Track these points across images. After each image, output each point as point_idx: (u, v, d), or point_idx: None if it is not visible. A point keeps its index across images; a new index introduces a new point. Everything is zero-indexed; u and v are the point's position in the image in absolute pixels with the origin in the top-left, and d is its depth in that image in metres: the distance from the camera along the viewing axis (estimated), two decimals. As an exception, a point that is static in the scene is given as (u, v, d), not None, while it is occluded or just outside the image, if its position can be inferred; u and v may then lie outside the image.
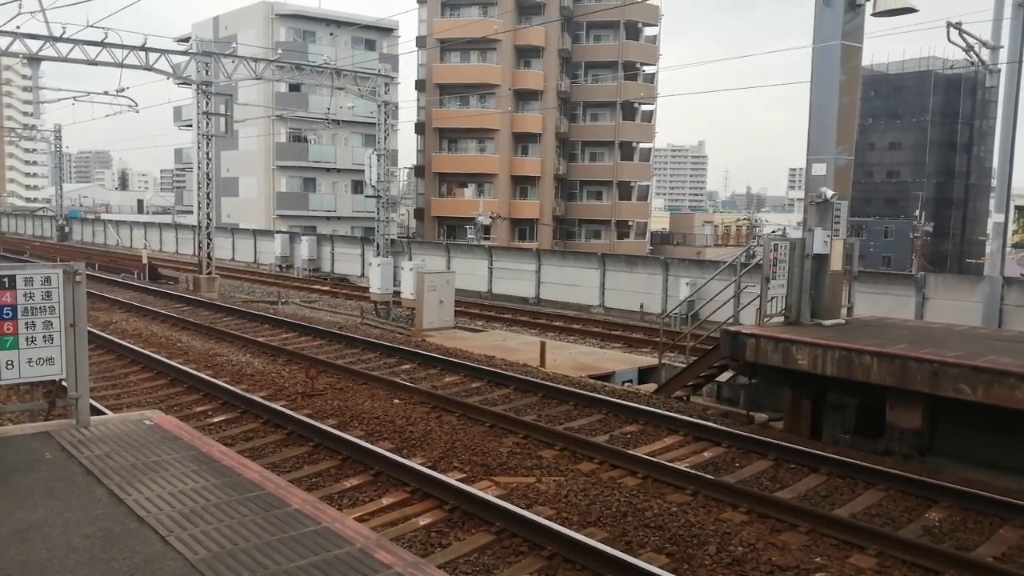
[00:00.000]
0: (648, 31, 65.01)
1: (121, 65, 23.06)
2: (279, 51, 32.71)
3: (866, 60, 14.66)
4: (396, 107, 38.50)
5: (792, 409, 10.94)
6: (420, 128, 61.29)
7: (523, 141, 60.92)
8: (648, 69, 65.19)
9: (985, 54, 16.91)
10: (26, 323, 6.53)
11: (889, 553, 6.72)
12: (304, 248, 36.88)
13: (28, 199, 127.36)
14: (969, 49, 16.49)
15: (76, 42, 22.05)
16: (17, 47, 21.80)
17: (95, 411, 8.54)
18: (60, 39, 21.70)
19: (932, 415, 9.49)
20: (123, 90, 26.87)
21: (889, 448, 9.64)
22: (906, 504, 8.10)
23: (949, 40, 16.09)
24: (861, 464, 8.88)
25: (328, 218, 53.60)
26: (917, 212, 58.71)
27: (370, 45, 55.58)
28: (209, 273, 26.56)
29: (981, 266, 50.98)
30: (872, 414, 10.01)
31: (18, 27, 21.13)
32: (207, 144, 26.18)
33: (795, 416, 10.87)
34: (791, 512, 7.52)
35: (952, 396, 8.89)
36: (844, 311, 12.55)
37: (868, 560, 6.65)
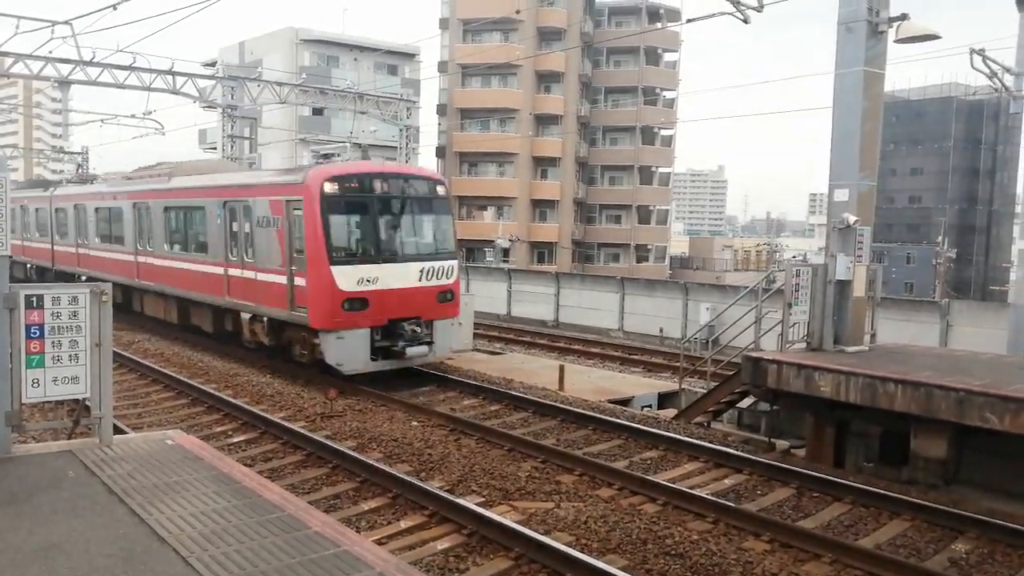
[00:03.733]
0: (668, 57, 65.32)
1: (149, 89, 23.46)
2: (303, 75, 33.20)
3: (888, 86, 14.63)
4: (417, 131, 38.84)
5: (815, 436, 10.80)
6: (441, 152, 61.73)
7: (543, 165, 61.16)
8: (668, 94, 65.40)
9: (1009, 80, 16.82)
10: (52, 342, 6.61)
11: (915, 585, 6.60)
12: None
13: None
14: (993, 75, 16.40)
15: (105, 66, 22.47)
16: (49, 71, 22.26)
17: (117, 430, 8.60)
18: (90, 63, 22.13)
19: (958, 444, 9.33)
20: (150, 113, 27.33)
21: (914, 477, 9.48)
22: (932, 535, 7.95)
23: (972, 66, 16.00)
24: (885, 493, 8.74)
25: (349, 240, 53.80)
26: (939, 238, 58.15)
27: (392, 70, 56.21)
28: (230, 294, 26.76)
29: (1005, 292, 50.34)
30: (896, 442, 9.86)
31: (50, 52, 21.59)
32: (231, 166, 26.47)
33: (818, 444, 10.73)
34: (814, 542, 7.41)
35: (978, 425, 8.75)
36: (867, 338, 12.42)
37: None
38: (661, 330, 23.08)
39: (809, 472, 9.49)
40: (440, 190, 14.92)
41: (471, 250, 58.31)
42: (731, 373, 12.46)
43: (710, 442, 10.81)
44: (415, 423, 11.54)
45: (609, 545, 7.37)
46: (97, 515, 5.32)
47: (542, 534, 7.35)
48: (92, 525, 5.14)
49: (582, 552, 6.97)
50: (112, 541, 4.90)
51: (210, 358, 16.43)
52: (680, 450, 10.51)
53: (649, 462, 10.13)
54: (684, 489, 8.71)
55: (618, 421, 11.61)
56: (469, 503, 8.05)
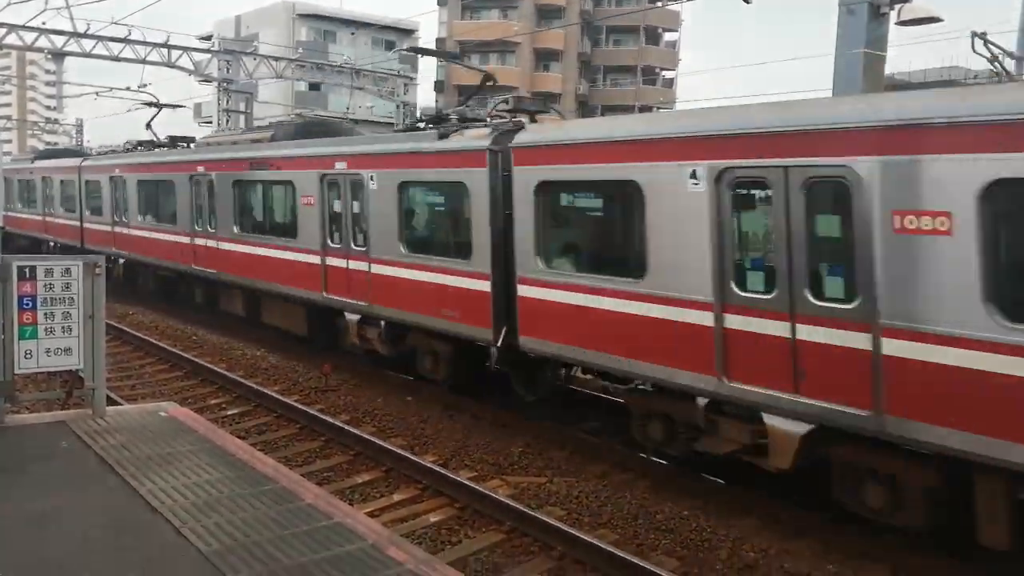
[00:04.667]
0: (668, 36, 64.94)
1: (144, 62, 23.32)
2: (300, 50, 32.96)
3: (888, 68, 14.55)
4: (414, 108, 38.62)
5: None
6: (438, 129, 61.39)
7: (540, 144, 60.84)
8: (667, 74, 65.07)
9: (1010, 64, 16.75)
10: (45, 313, 6.61)
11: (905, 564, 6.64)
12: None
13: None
14: (994, 59, 16.30)
15: (100, 38, 22.32)
16: (42, 43, 22.08)
17: (111, 402, 8.62)
18: (84, 35, 21.96)
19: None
20: (145, 86, 27.13)
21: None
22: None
23: (973, 50, 15.90)
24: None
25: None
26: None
27: (390, 46, 55.78)
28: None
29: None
30: None
31: (44, 23, 21.40)
32: (226, 141, 26.37)
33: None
34: (803, 519, 7.45)
35: None
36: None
37: (881, 572, 6.57)
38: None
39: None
40: None
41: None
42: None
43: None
44: (409, 398, 11.55)
45: (600, 520, 7.41)
46: (90, 486, 5.34)
47: (534, 508, 7.40)
48: (85, 496, 5.16)
49: (573, 526, 7.01)
50: (104, 512, 4.92)
51: (205, 331, 16.40)
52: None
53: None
54: (675, 466, 8.74)
55: (612, 397, 11.61)
56: (462, 477, 8.10)
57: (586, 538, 6.63)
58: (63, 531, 4.63)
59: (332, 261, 12.19)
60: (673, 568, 6.44)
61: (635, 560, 6.28)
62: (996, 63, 16.76)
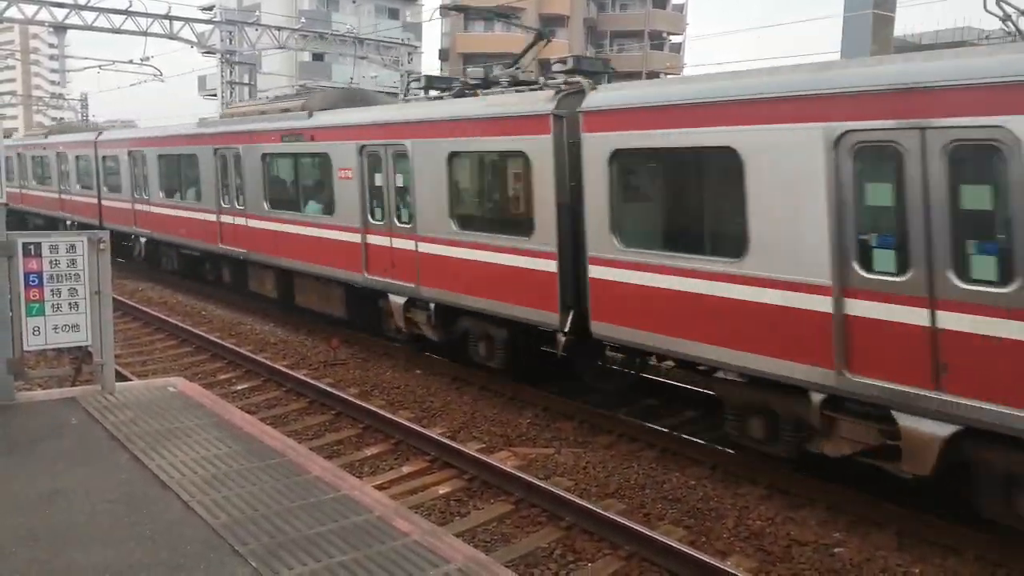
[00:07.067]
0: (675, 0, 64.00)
1: (146, 34, 23.13)
2: (302, 20, 32.64)
3: (898, 30, 14.33)
4: (419, 76, 38.29)
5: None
6: (443, 98, 60.94)
7: (547, 112, 60.30)
8: (675, 39, 64.24)
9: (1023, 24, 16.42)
10: (52, 290, 6.63)
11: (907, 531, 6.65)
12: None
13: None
14: (1007, 19, 15.98)
15: (101, 10, 22.13)
16: (43, 15, 21.92)
17: (121, 378, 8.67)
18: (85, 7, 21.78)
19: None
20: (148, 59, 26.95)
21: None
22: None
23: (986, 9, 15.58)
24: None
25: (351, 188, 53.44)
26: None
27: (393, 14, 55.21)
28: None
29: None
30: None
31: (44, -5, 21.24)
32: (231, 113, 26.22)
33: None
34: (809, 487, 7.46)
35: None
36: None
37: (888, 537, 6.59)
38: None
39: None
40: None
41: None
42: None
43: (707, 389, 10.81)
44: (418, 371, 11.59)
45: (608, 490, 7.45)
46: (99, 461, 5.38)
47: (542, 479, 7.44)
48: (94, 471, 5.21)
49: (581, 497, 7.05)
50: (114, 486, 4.97)
51: (214, 307, 16.47)
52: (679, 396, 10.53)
53: (648, 408, 10.16)
54: (682, 435, 8.76)
55: (619, 368, 11.61)
56: (470, 449, 8.14)
57: (594, 508, 6.67)
58: (73, 506, 4.68)
59: (374, 239, 11.46)
60: (680, 537, 6.47)
61: (642, 529, 6.32)
62: (1009, 22, 16.44)
